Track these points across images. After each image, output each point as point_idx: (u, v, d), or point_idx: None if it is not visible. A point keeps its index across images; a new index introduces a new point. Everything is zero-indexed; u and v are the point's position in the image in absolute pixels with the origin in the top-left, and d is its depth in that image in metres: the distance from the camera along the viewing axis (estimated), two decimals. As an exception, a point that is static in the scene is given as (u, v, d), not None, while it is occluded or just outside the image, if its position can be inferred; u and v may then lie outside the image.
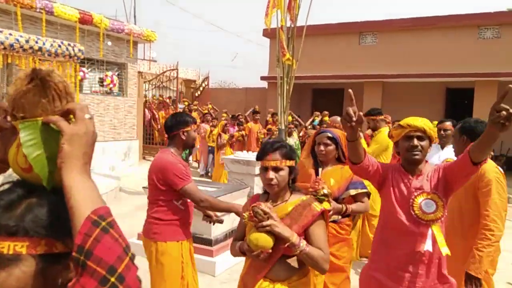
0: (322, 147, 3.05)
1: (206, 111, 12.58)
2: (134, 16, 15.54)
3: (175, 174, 2.80)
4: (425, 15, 13.02)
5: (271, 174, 2.02)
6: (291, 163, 2.06)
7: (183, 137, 2.92)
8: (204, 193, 2.91)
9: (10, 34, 6.67)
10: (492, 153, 5.36)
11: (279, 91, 5.34)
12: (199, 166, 11.45)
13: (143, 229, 3.04)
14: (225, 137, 9.51)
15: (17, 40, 6.70)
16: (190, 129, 2.95)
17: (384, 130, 5.31)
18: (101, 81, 10.63)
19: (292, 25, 5.20)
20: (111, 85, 10.72)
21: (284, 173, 2.05)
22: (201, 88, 18.02)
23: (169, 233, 2.88)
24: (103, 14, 9.87)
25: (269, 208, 1.95)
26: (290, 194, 2.13)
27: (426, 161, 2.41)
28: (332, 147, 3.05)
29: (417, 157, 2.29)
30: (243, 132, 10.40)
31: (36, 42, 7.00)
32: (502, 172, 2.82)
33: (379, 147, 5.15)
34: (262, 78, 15.43)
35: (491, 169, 2.75)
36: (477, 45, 12.27)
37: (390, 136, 5.31)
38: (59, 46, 7.40)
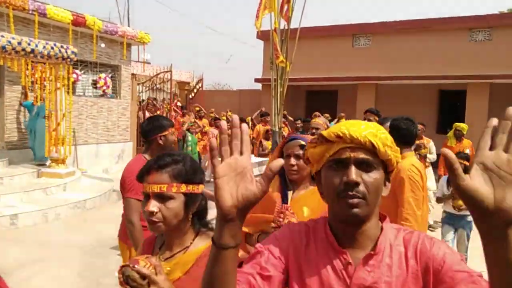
0: (292, 161, 2.09)
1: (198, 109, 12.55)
2: (128, 18, 15.51)
3: (127, 182, 2.71)
4: (418, 17, 13.12)
5: (152, 205, 1.31)
6: (188, 188, 1.35)
7: (161, 142, 2.83)
8: (137, 217, 2.62)
9: (2, 36, 6.61)
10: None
11: (273, 93, 5.35)
12: (205, 171, 11.49)
13: (119, 233, 3.02)
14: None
15: (9, 42, 6.64)
16: (168, 133, 2.85)
17: None
18: (95, 83, 10.58)
19: (286, 27, 5.22)
20: (104, 87, 10.67)
21: (176, 204, 1.33)
22: (195, 90, 18.00)
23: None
24: (96, 16, 9.84)
25: (153, 267, 1.23)
26: (195, 237, 1.42)
27: (385, 217, 1.10)
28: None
29: (356, 210, 0.99)
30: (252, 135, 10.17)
31: (29, 44, 6.95)
32: (421, 170, 2.83)
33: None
34: (256, 80, 15.44)
35: (405, 167, 2.79)
36: (469, 48, 12.38)
37: None
38: (52, 48, 7.36)
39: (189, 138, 9.43)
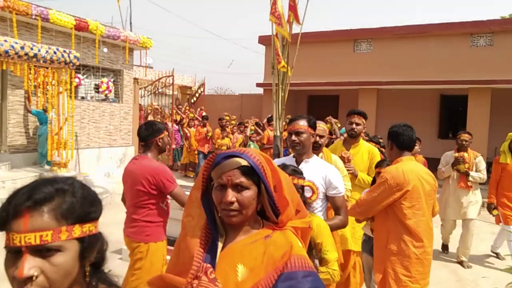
0: (230, 196, 1.37)
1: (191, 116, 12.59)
2: (130, 23, 15.55)
3: (167, 178, 3.09)
4: (419, 23, 13.15)
5: (28, 267, 0.84)
6: (84, 229, 0.92)
7: (159, 144, 3.23)
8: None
9: (5, 41, 6.66)
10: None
11: (274, 98, 5.36)
12: None
13: (129, 232, 3.20)
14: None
15: (12, 46, 6.69)
16: (164, 136, 3.25)
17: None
18: (97, 87, 10.62)
19: (288, 31, 5.24)
20: (106, 92, 10.71)
21: (66, 258, 0.88)
22: (196, 95, 18.03)
23: (158, 233, 3.17)
24: (99, 21, 9.90)
25: None
26: None
27: None
28: (249, 193, 1.29)
29: None
30: (260, 140, 10.00)
31: (32, 49, 6.99)
32: (408, 175, 2.85)
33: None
34: (258, 85, 15.48)
35: (390, 170, 2.97)
36: (470, 53, 12.39)
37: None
38: (55, 52, 7.40)
39: (251, 146, 9.34)
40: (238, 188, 1.26)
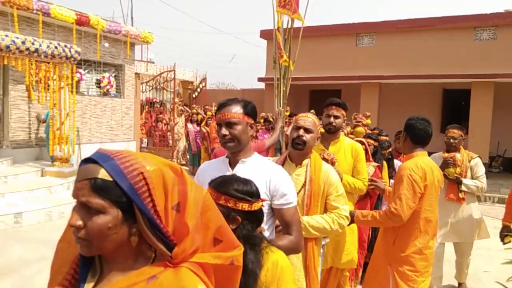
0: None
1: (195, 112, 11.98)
2: (131, 18, 15.53)
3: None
4: (422, 16, 13.06)
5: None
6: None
7: None
8: None
9: (6, 36, 6.64)
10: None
11: (276, 93, 5.34)
12: None
13: None
14: None
15: (13, 41, 6.67)
16: None
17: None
18: (98, 82, 10.61)
19: (290, 26, 5.21)
20: (108, 87, 10.70)
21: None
22: (198, 90, 18.01)
23: None
24: (100, 15, 9.86)
25: None
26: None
27: None
28: (101, 218, 0.93)
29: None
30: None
31: (33, 44, 6.97)
32: (425, 169, 2.83)
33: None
34: (259, 79, 15.44)
35: (407, 166, 2.91)
36: (473, 46, 12.31)
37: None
38: (56, 47, 7.38)
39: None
40: (87, 209, 0.91)
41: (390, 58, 13.05)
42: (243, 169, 1.94)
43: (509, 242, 3.54)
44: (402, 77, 12.95)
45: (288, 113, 9.90)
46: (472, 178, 4.10)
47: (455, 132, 4.13)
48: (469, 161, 4.13)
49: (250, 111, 2.00)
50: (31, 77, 7.53)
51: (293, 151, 2.52)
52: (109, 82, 10.66)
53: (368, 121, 8.01)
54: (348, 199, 2.91)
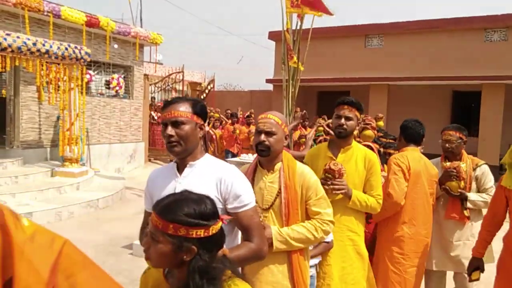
0: None
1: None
2: (141, 19, 15.62)
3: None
4: (431, 17, 12.96)
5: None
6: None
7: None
8: None
9: (18, 37, 6.72)
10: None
11: (284, 94, 5.32)
12: None
13: None
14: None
15: (25, 43, 6.75)
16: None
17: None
18: (107, 83, 10.69)
19: (299, 27, 5.20)
20: (117, 88, 10.77)
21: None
22: (206, 91, 18.06)
23: None
24: (110, 17, 9.94)
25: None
26: None
27: None
28: None
29: None
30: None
31: (43, 45, 7.05)
32: (411, 161, 3.08)
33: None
34: (268, 80, 15.44)
35: (395, 156, 3.19)
36: (484, 48, 12.18)
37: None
38: (66, 49, 7.45)
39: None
40: None
41: (399, 59, 12.97)
42: (191, 173, 1.77)
43: (477, 279, 2.86)
44: (411, 79, 12.87)
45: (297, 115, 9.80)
46: (478, 190, 3.31)
47: (451, 134, 3.32)
48: (474, 169, 3.34)
49: (200, 110, 1.79)
50: (41, 78, 7.61)
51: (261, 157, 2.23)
52: (118, 83, 10.73)
53: (381, 123, 7.48)
54: (356, 218, 2.69)
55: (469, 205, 3.24)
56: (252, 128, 10.12)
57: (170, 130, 1.72)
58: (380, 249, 3.18)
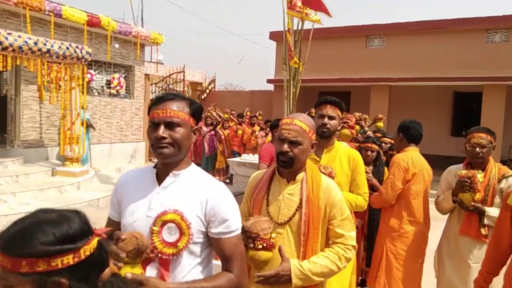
0: None
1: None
2: (142, 19, 15.63)
3: (262, 155, 4.18)
4: (433, 18, 12.96)
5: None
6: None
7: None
8: None
9: (19, 36, 6.72)
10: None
11: (285, 94, 5.32)
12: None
13: None
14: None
15: (26, 42, 6.75)
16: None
17: None
18: (108, 83, 10.69)
19: (300, 28, 5.20)
20: (118, 87, 10.78)
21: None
22: (207, 91, 18.07)
23: None
24: (111, 16, 9.94)
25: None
26: None
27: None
28: None
29: None
30: None
31: (45, 44, 7.05)
32: (414, 162, 3.24)
33: None
34: (269, 81, 15.44)
35: (398, 156, 3.33)
36: (485, 49, 12.17)
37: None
38: (67, 48, 7.45)
39: None
40: None
41: (400, 60, 12.96)
42: (173, 184, 1.51)
43: None
44: (412, 80, 12.86)
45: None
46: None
47: (482, 137, 2.79)
48: (499, 181, 2.79)
49: (196, 112, 1.56)
50: (42, 78, 7.61)
51: None
52: (119, 83, 10.74)
53: (381, 124, 7.42)
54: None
55: (487, 221, 2.74)
56: (256, 129, 10.15)
57: (163, 132, 1.46)
58: (383, 246, 3.30)
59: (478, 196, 2.75)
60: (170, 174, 1.53)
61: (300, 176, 1.95)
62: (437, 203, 3.08)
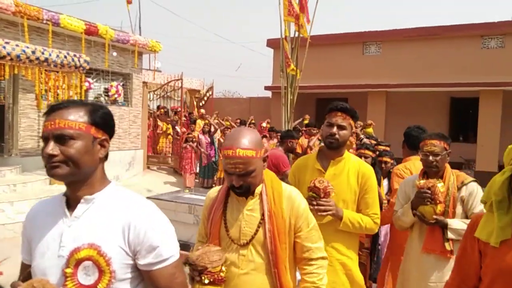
0: None
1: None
2: (139, 27, 15.69)
3: (282, 163, 4.63)
4: (429, 25, 13.06)
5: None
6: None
7: (289, 145, 5.11)
8: None
9: (17, 45, 6.74)
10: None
11: (283, 101, 5.35)
12: None
13: None
14: None
15: (24, 51, 6.77)
16: (294, 142, 5.20)
17: None
18: (106, 91, 10.70)
19: (297, 35, 5.24)
20: (116, 95, 10.79)
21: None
22: (205, 98, 18.09)
23: None
24: (109, 25, 9.97)
25: None
26: None
27: None
28: None
29: None
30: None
31: (42, 53, 7.06)
32: (412, 171, 3.12)
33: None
34: (266, 88, 15.49)
35: (398, 167, 3.27)
36: (481, 55, 12.27)
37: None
38: (65, 57, 7.47)
39: None
40: None
41: (397, 66, 13.04)
42: (87, 212, 1.26)
43: None
44: (409, 86, 12.93)
45: (306, 122, 9.63)
46: (466, 215, 2.54)
47: (435, 144, 2.59)
48: (459, 189, 2.57)
49: (100, 119, 1.28)
50: (40, 86, 7.61)
51: None
52: (117, 91, 10.75)
53: (370, 129, 7.45)
54: (348, 239, 2.36)
55: (451, 235, 2.47)
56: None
57: (53, 148, 1.21)
58: (396, 261, 3.10)
59: (440, 208, 2.48)
60: (82, 200, 1.26)
61: (258, 189, 1.73)
62: (395, 218, 2.74)
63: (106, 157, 1.36)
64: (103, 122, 1.29)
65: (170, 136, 12.32)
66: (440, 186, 2.48)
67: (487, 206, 1.47)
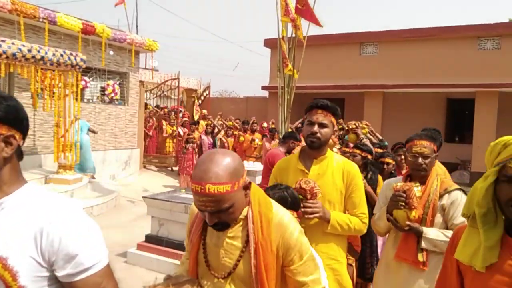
0: None
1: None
2: (136, 26, 15.65)
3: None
4: (426, 26, 13.11)
5: None
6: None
7: (291, 146, 4.99)
8: None
9: (13, 43, 6.70)
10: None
11: (280, 101, 5.34)
12: None
13: None
14: None
15: (20, 49, 6.73)
16: (295, 144, 4.99)
17: None
18: (103, 90, 10.67)
19: (294, 35, 5.24)
20: (112, 94, 10.75)
21: None
22: (202, 97, 18.06)
23: None
24: (106, 24, 9.95)
25: None
26: None
27: None
28: None
29: None
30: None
31: (39, 52, 7.03)
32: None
33: None
34: (263, 88, 15.49)
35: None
36: (477, 56, 12.32)
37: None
38: (61, 55, 7.44)
39: None
40: None
41: (394, 67, 13.08)
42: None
43: None
44: (405, 86, 12.97)
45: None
46: (447, 226, 2.33)
47: (425, 145, 2.39)
48: (441, 196, 2.35)
49: (3, 113, 1.07)
50: (36, 85, 7.58)
51: None
52: (113, 90, 10.71)
53: (365, 131, 7.37)
54: (337, 243, 2.26)
55: (425, 244, 2.28)
56: (257, 136, 10.22)
57: None
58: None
59: (414, 213, 2.30)
60: None
61: (243, 213, 1.44)
62: (372, 222, 2.54)
63: (20, 156, 1.14)
64: (6, 116, 1.07)
65: (175, 139, 12.26)
66: (416, 190, 2.31)
67: (469, 220, 1.24)
